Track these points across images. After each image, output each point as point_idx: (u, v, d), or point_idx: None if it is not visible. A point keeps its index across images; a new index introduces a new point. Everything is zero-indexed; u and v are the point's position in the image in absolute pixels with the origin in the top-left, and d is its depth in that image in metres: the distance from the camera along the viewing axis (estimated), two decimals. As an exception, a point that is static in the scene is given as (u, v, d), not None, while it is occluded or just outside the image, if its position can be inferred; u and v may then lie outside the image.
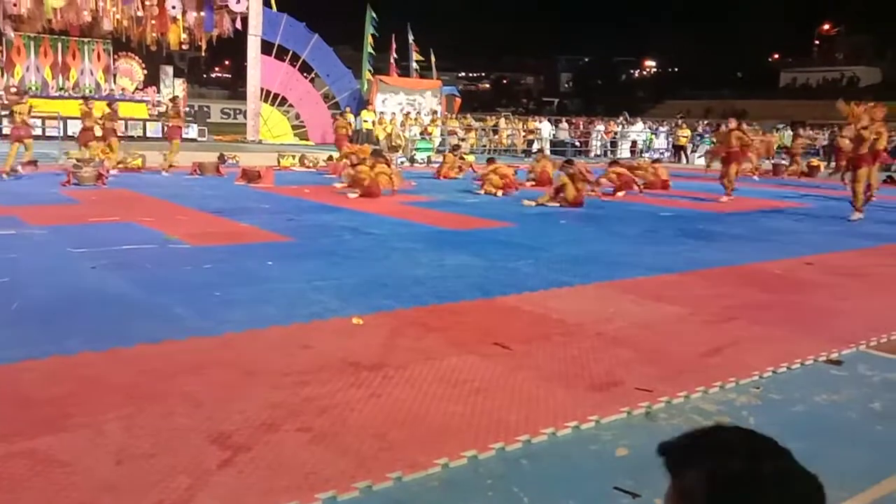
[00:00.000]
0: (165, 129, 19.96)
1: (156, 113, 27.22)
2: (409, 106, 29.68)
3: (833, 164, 24.23)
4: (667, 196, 16.02)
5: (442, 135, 28.09)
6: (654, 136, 33.10)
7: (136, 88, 28.39)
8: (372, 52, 32.03)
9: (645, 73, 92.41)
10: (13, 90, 22.92)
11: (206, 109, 35.06)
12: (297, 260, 7.89)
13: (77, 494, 2.99)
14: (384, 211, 12.09)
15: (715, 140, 16.56)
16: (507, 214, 12.26)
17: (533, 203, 13.49)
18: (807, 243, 10.17)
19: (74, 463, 3.23)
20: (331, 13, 41.04)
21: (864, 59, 66.18)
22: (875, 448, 3.73)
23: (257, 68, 27.97)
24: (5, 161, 15.00)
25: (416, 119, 28.45)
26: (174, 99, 21.78)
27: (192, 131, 25.67)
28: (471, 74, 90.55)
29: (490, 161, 16.43)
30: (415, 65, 32.99)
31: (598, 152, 30.91)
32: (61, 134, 21.16)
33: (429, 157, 24.21)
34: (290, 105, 29.83)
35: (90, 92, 26.77)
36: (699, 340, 5.41)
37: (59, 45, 27.08)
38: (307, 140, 29.10)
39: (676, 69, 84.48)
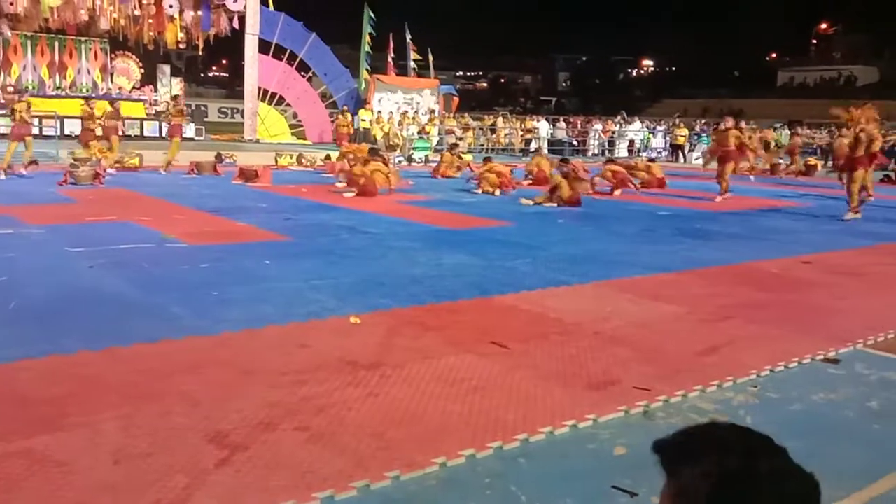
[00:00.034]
0: (168, 126, 19.97)
1: (153, 112, 27.18)
2: (406, 105, 29.65)
3: (831, 163, 24.27)
4: (664, 195, 16.03)
5: (439, 134, 28.07)
6: (651, 136, 33.10)
7: (134, 87, 28.31)
8: (369, 51, 31.98)
9: (642, 72, 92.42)
10: (10, 89, 22.91)
11: (203, 108, 34.96)
12: (295, 259, 7.89)
13: (74, 494, 2.98)
14: (381, 210, 12.09)
15: (713, 139, 16.59)
16: (505, 213, 12.26)
17: (531, 202, 13.50)
18: (804, 242, 10.18)
19: (72, 462, 3.22)
20: (328, 12, 40.96)
21: (862, 58, 66.24)
22: (872, 447, 3.73)
23: (255, 67, 27.91)
24: (3, 158, 15.00)
25: (413, 118, 28.42)
26: (176, 97, 21.82)
27: (189, 130, 25.60)
28: (468, 73, 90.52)
29: (486, 160, 16.44)
30: (412, 64, 32.94)
31: (596, 151, 30.89)
32: (58, 133, 21.10)
33: (426, 156, 24.20)
34: (288, 104, 29.77)
35: (87, 91, 26.72)
36: (696, 339, 5.42)
37: (56, 44, 27.00)
38: (305, 139, 29.05)
39: (674, 68, 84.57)
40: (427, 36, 34.06)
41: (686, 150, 30.07)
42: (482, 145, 29.92)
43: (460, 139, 26.12)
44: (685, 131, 30.93)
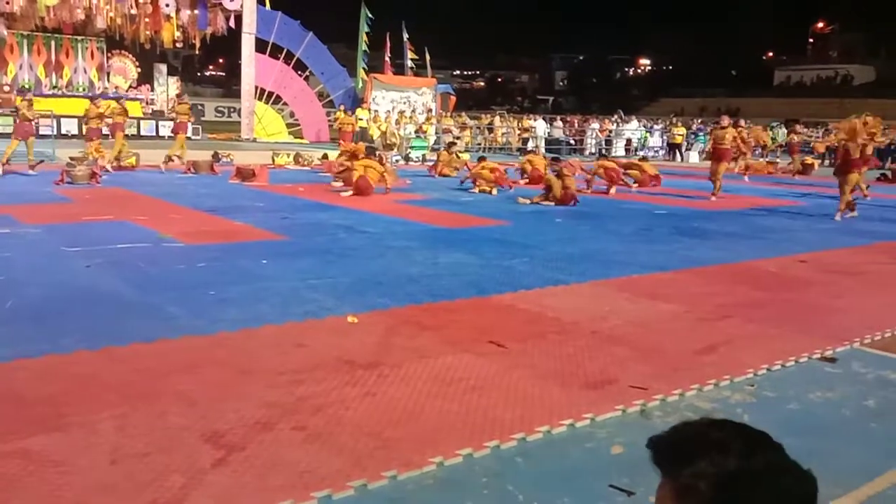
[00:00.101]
0: (173, 123, 20.10)
1: (150, 111, 27.15)
2: (403, 104, 29.63)
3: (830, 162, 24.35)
4: (661, 194, 16.04)
5: (437, 133, 28.06)
6: (648, 135, 33.11)
7: (130, 87, 28.26)
8: (366, 50, 31.96)
9: (639, 71, 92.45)
10: (6, 88, 22.87)
11: (200, 108, 34.90)
12: (292, 258, 7.88)
13: (71, 494, 2.98)
14: (379, 209, 12.08)
15: (712, 139, 16.65)
16: (502, 212, 12.27)
17: (528, 201, 13.51)
18: (801, 241, 10.20)
19: (68, 462, 3.22)
20: (325, 11, 40.98)
21: (858, 57, 66.38)
22: (869, 445, 3.74)
23: (251, 66, 27.89)
24: (3, 154, 15.07)
25: (410, 117, 28.40)
26: (180, 95, 21.94)
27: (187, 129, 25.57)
28: (465, 72, 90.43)
29: (481, 160, 16.49)
30: (409, 63, 32.94)
31: (593, 150, 30.89)
32: (55, 132, 21.08)
33: (423, 155, 24.20)
34: (285, 103, 29.76)
35: (84, 90, 26.70)
36: (694, 338, 5.42)
37: (53, 43, 26.95)
38: (302, 138, 29.05)
39: (671, 67, 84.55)
40: (424, 35, 34.08)
41: (683, 150, 30.09)
42: (479, 144, 29.91)
43: (457, 138, 26.09)
44: (682, 130, 30.95)
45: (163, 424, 3.63)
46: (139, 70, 28.95)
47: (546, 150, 27.60)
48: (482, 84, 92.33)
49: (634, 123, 34.45)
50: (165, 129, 26.30)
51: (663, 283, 7.27)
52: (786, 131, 29.25)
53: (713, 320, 5.96)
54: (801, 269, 8.26)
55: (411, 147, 25.02)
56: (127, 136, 22.00)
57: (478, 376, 4.45)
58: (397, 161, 22.28)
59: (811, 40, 76.97)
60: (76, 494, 2.97)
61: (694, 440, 1.01)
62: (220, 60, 67.57)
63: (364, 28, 31.38)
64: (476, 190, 15.17)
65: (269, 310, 5.76)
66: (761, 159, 25.28)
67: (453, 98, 34.16)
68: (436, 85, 32.18)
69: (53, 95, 25.31)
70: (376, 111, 27.86)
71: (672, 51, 80.00)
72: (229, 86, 54.95)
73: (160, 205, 11.74)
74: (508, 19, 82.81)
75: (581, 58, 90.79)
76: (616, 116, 34.81)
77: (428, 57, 33.04)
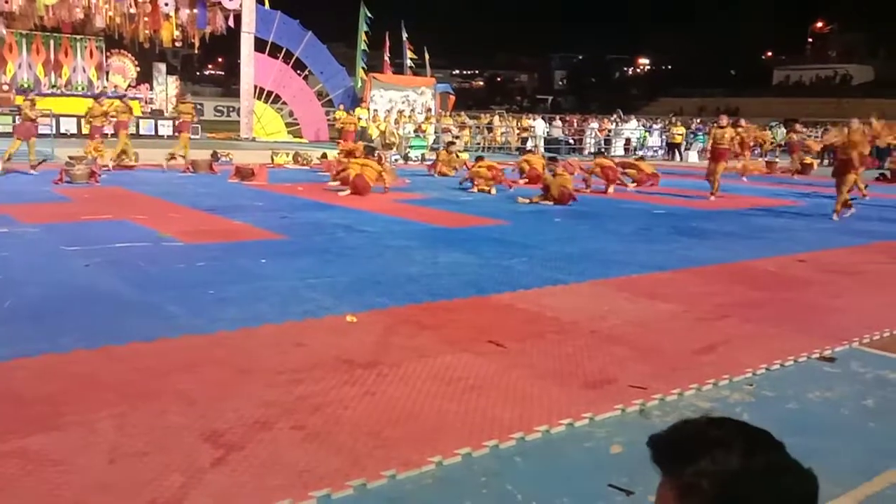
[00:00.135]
0: (177, 122, 20.21)
1: (149, 110, 27.13)
2: (402, 103, 29.63)
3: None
4: (659, 194, 16.05)
5: (436, 132, 28.05)
6: (647, 134, 33.12)
7: (129, 86, 28.23)
8: (366, 49, 31.96)
9: (638, 70, 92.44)
10: (5, 87, 22.86)
11: (199, 107, 34.88)
12: (291, 258, 7.88)
13: (70, 493, 2.97)
14: (377, 208, 12.08)
15: (712, 139, 16.68)
16: (501, 212, 12.27)
17: (527, 200, 13.52)
18: (799, 241, 10.20)
19: (67, 462, 3.22)
20: (324, 10, 40.98)
21: (857, 57, 66.38)
22: (868, 445, 3.74)
23: (251, 66, 27.88)
24: (5, 152, 15.10)
25: (409, 117, 28.40)
26: (183, 95, 22.01)
27: (186, 129, 25.56)
28: (465, 72, 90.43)
29: (479, 160, 16.50)
30: (409, 62, 32.94)
31: (592, 150, 30.89)
32: (53, 132, 21.07)
33: (423, 154, 24.19)
34: (284, 102, 29.75)
35: (83, 89, 26.68)
36: (693, 338, 5.43)
37: (52, 42, 26.92)
38: (301, 138, 29.05)
39: (670, 67, 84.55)
40: (423, 34, 34.08)
41: (682, 149, 30.10)
42: (478, 144, 29.91)
43: (456, 138, 26.09)
44: (682, 130, 30.94)
45: (162, 424, 3.63)
46: (138, 69, 28.93)
47: (545, 149, 27.62)
48: (481, 83, 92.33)
49: (633, 123, 34.46)
50: (164, 128, 26.31)
51: (662, 283, 7.27)
52: (785, 131, 29.27)
53: (712, 320, 5.97)
54: (799, 269, 8.26)
55: (410, 146, 25.02)
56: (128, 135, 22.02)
57: (477, 376, 4.45)
58: (396, 160, 22.27)
59: (810, 40, 76.96)
60: (75, 494, 2.97)
61: (694, 438, 1.01)
62: (220, 60, 67.53)
63: (363, 27, 31.38)
64: (475, 189, 15.17)
65: (268, 309, 5.76)
66: (760, 159, 25.29)
67: (452, 97, 34.16)
68: (435, 84, 32.18)
69: (52, 95, 25.28)
70: (375, 111, 27.86)
71: (671, 50, 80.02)
72: (228, 85, 54.93)
73: (159, 204, 11.74)
74: (508, 18, 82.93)
75: (580, 57, 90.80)
76: (615, 116, 34.82)
77: (427, 56, 33.04)
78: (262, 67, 28.22)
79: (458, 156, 19.90)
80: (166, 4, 25.71)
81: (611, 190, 15.77)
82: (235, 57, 29.91)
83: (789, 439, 1.01)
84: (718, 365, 4.80)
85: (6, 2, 23.01)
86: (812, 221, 12.41)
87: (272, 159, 20.07)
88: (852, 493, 3.20)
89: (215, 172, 17.03)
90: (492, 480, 3.22)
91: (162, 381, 4.18)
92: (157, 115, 27.19)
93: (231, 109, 37.87)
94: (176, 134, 19.78)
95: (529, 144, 29.49)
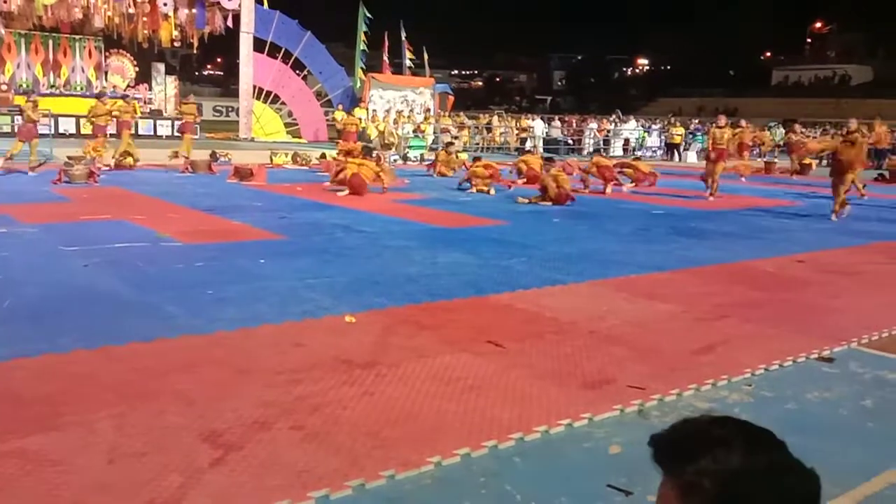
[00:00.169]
0: (180, 123, 20.32)
1: (147, 111, 27.12)
2: (401, 104, 29.63)
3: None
4: (659, 194, 16.06)
5: (435, 133, 28.05)
6: (646, 134, 33.13)
7: (128, 86, 28.24)
8: (365, 49, 31.96)
9: (637, 70, 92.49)
10: (4, 87, 22.85)
11: (198, 107, 34.91)
12: (290, 258, 7.87)
13: (69, 493, 2.97)
14: (376, 209, 12.08)
15: (711, 140, 16.71)
16: (500, 212, 12.27)
17: (526, 201, 13.52)
18: (798, 241, 10.21)
19: (66, 462, 3.21)
20: (323, 10, 40.99)
21: (856, 57, 66.46)
22: (866, 445, 3.75)
23: (250, 66, 27.87)
24: (9, 151, 15.10)
25: (408, 117, 28.40)
26: (186, 95, 22.12)
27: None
28: (464, 72, 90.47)
29: (476, 160, 16.52)
30: (408, 62, 32.94)
31: (591, 150, 30.91)
32: (52, 132, 21.06)
33: (422, 154, 24.19)
34: (283, 103, 29.74)
35: (81, 89, 26.67)
36: (691, 338, 5.43)
37: (50, 42, 26.91)
38: (300, 138, 29.04)
39: (669, 67, 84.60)
40: (422, 34, 34.07)
41: (681, 150, 30.10)
42: (477, 144, 29.91)
43: (455, 138, 26.10)
44: (681, 130, 30.95)
45: (161, 424, 3.62)
46: (137, 69, 28.92)
47: (544, 149, 27.61)
48: (480, 83, 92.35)
49: (632, 123, 34.47)
50: (163, 128, 26.30)
51: (661, 283, 7.27)
52: (783, 131, 29.27)
53: (711, 320, 5.97)
54: (798, 269, 8.27)
55: (409, 146, 25.02)
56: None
57: (476, 376, 4.45)
58: (395, 161, 22.28)
59: (809, 40, 77.03)
60: (74, 494, 2.97)
61: (695, 437, 1.00)
62: (218, 60, 67.48)
63: (362, 27, 31.37)
64: (474, 190, 15.18)
65: (266, 309, 5.76)
66: (758, 159, 25.30)
67: (451, 97, 34.18)
68: (434, 84, 32.17)
69: (51, 95, 25.25)
70: (374, 111, 27.85)
71: (670, 51, 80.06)
72: (227, 85, 54.90)
73: (158, 204, 11.73)
74: (507, 19, 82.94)
75: (579, 57, 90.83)
76: (614, 116, 34.83)
77: (426, 56, 33.04)
78: (261, 67, 28.22)
79: (456, 156, 19.89)
80: (165, 4, 25.70)
81: (609, 190, 15.79)
82: (234, 57, 29.91)
83: (788, 439, 1.01)
84: (717, 365, 4.80)
85: (5, 1, 23.00)
86: (811, 222, 12.42)
87: (271, 159, 20.07)
88: (851, 494, 3.20)
89: (214, 172, 17.02)
90: (491, 481, 3.22)
91: (161, 381, 4.18)
92: (155, 115, 27.17)
93: (230, 109, 37.83)
94: (178, 134, 19.80)
95: (528, 145, 29.47)
